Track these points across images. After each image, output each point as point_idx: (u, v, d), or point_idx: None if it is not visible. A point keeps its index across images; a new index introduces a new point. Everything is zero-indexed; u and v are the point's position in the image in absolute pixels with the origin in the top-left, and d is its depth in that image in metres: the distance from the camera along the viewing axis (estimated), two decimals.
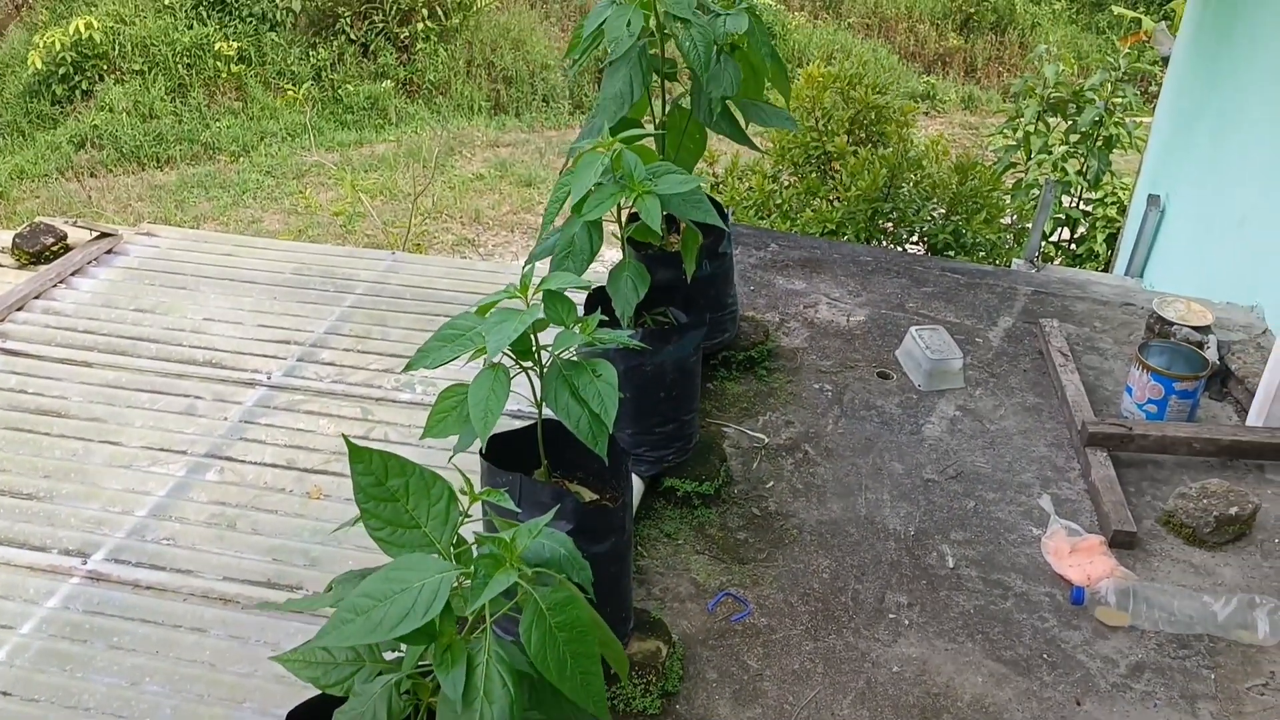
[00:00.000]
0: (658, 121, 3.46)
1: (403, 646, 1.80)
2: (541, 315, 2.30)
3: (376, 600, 1.61)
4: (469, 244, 11.45)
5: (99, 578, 3.10)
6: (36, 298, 4.41)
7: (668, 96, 3.41)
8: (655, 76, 3.34)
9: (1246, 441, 3.48)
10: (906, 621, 2.87)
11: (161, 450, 3.62)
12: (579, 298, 3.14)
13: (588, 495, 2.60)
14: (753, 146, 3.55)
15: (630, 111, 3.32)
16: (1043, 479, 3.42)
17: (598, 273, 3.39)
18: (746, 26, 3.12)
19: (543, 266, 2.85)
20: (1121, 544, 3.14)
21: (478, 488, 2.53)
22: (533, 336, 2.38)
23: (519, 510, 1.88)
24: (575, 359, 2.35)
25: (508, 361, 2.38)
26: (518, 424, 2.71)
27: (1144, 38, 7.59)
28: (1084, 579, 2.99)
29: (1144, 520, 3.26)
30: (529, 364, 2.39)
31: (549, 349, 2.35)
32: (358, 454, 1.73)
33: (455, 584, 1.61)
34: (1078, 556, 3.06)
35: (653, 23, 3.20)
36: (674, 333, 3.11)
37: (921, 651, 2.79)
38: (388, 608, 1.59)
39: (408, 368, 2.40)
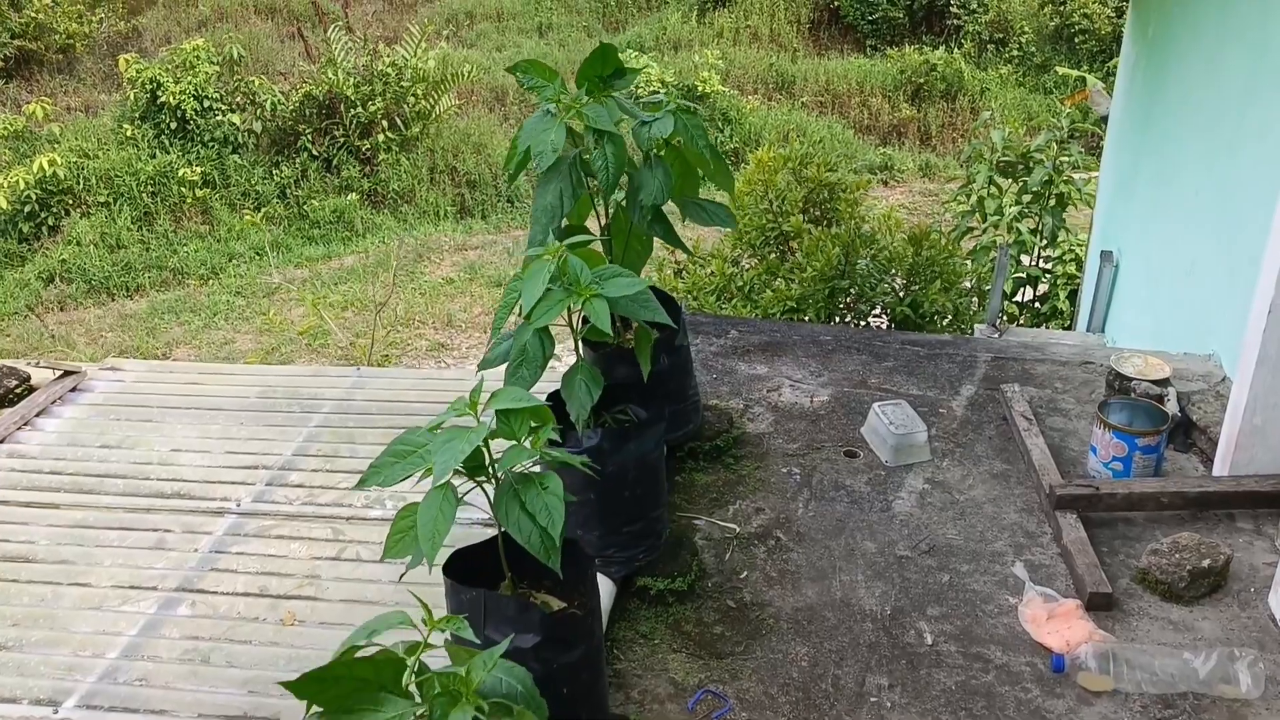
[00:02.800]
0: (602, 224, 3.51)
1: None
2: (490, 431, 2.31)
3: None
4: (442, 348, 11.49)
5: None
6: (1, 442, 4.40)
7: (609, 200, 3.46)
8: (591, 180, 3.39)
9: (1213, 491, 3.50)
10: (889, 704, 2.85)
11: (131, 588, 3.58)
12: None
13: (556, 604, 2.58)
14: (685, 250, 3.61)
15: (573, 216, 3.38)
16: (1015, 546, 3.42)
17: (556, 370, 3.41)
18: (671, 130, 3.19)
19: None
20: (1098, 606, 3.13)
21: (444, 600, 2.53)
22: (485, 451, 2.39)
23: (478, 642, 1.87)
24: (526, 472, 2.36)
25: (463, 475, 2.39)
26: (490, 531, 2.70)
27: (1087, 97, 7.77)
28: (1063, 645, 2.98)
29: (1119, 580, 3.25)
30: (482, 479, 2.39)
31: (499, 465, 2.36)
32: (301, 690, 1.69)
33: None
34: (1055, 623, 3.05)
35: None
36: (634, 431, 3.12)
37: None
38: None
39: (360, 484, 2.41)
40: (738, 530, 3.47)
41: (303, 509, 3.93)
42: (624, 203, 3.40)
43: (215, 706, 3.09)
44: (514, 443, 2.34)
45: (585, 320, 3.30)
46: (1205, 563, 3.17)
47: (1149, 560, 3.24)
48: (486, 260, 13.13)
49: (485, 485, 2.41)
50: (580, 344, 3.13)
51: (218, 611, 3.47)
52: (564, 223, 3.27)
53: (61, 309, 12.61)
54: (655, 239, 3.48)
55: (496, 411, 2.33)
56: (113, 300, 12.75)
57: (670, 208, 3.44)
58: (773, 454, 3.85)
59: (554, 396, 3.12)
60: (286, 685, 1.65)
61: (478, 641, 1.84)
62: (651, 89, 15.11)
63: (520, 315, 2.93)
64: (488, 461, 2.38)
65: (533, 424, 2.36)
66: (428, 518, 2.20)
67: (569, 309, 2.89)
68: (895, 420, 3.81)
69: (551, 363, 3.08)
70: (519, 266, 2.93)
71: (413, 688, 1.74)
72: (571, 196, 3.17)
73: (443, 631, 1.82)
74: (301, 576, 3.60)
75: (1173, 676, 2.86)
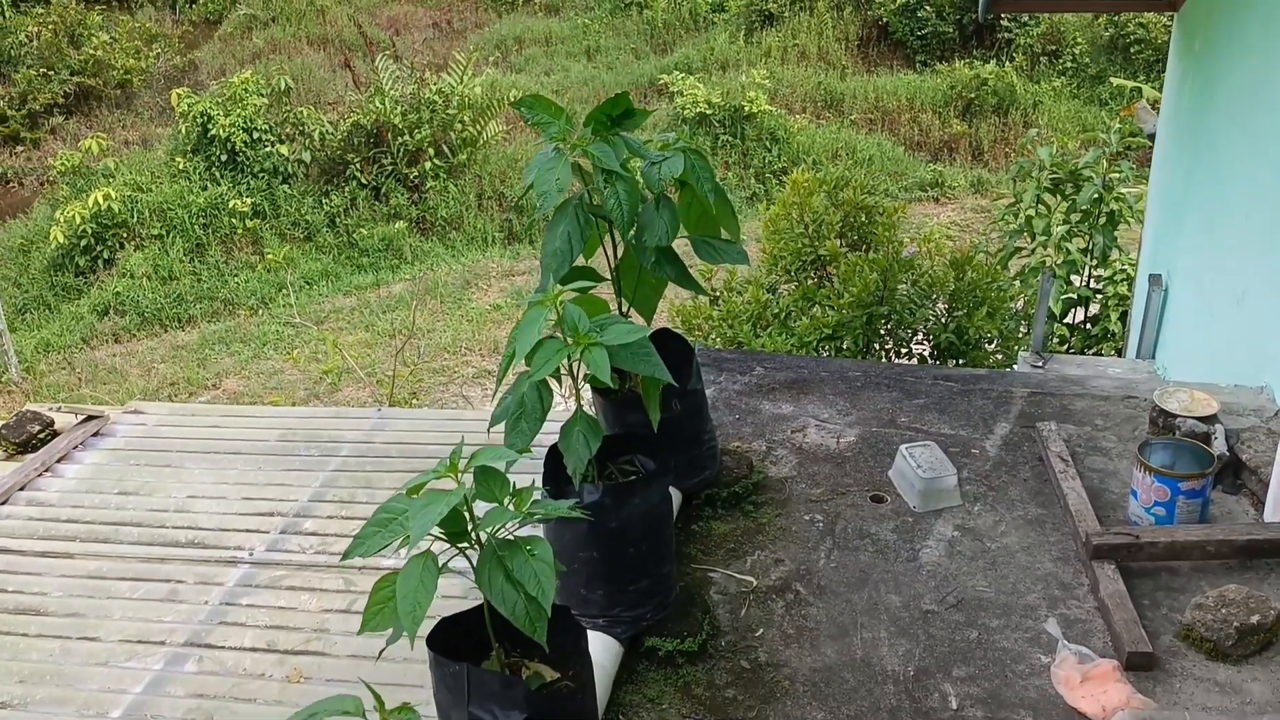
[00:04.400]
0: (612, 264, 3.40)
1: None
2: (468, 494, 2.20)
3: None
4: (489, 375, 11.46)
5: None
6: (21, 489, 4.38)
7: (617, 238, 3.35)
8: (602, 221, 3.28)
9: (1263, 539, 3.27)
10: None
11: (139, 643, 3.52)
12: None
13: (550, 674, 2.46)
14: (700, 291, 3.49)
15: (583, 253, 3.27)
16: (1049, 599, 3.22)
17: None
18: (682, 169, 3.07)
19: None
20: (1138, 666, 2.93)
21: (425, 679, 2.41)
22: (468, 515, 2.28)
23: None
24: (511, 537, 2.24)
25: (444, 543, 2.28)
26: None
27: (1132, 112, 7.53)
28: (1099, 711, 2.78)
29: (1160, 636, 3.04)
30: (466, 545, 2.28)
31: (482, 528, 2.24)
32: None
33: None
34: (1091, 685, 2.85)
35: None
36: (639, 485, 2.98)
37: None
38: None
39: (344, 557, 2.32)
40: (755, 583, 3.32)
41: (315, 558, 3.85)
42: (634, 242, 3.29)
43: None
44: (496, 505, 2.22)
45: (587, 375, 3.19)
46: (1254, 619, 2.96)
47: (1193, 615, 3.03)
48: (534, 286, 13.09)
49: (469, 552, 2.30)
50: (580, 392, 3.01)
51: (224, 667, 3.40)
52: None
53: (116, 341, 12.78)
54: (666, 281, 3.35)
55: (475, 471, 2.21)
56: (165, 331, 12.91)
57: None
58: (795, 500, 3.69)
59: (555, 449, 3.00)
60: None
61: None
62: (698, 110, 15.02)
63: (526, 364, 2.82)
64: (470, 527, 2.27)
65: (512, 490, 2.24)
66: (407, 589, 2.10)
67: (568, 358, 2.78)
68: (923, 463, 3.63)
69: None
70: (518, 326, 2.82)
71: None
72: (580, 239, 3.07)
73: None
74: (310, 630, 3.52)
75: None
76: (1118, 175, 7.55)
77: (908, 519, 3.59)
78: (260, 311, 13.10)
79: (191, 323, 13.05)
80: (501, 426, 2.80)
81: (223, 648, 3.48)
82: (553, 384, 2.86)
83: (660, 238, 3.07)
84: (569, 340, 2.74)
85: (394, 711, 1.68)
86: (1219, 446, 3.61)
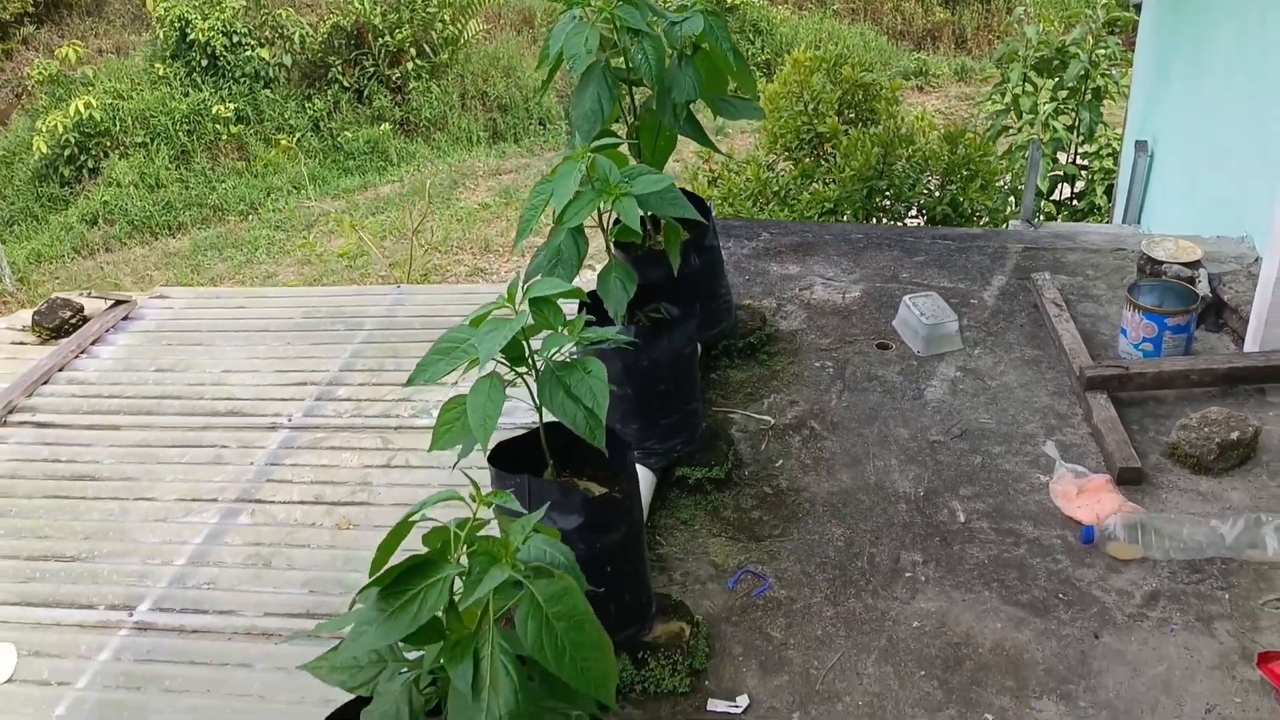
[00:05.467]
0: (629, 127, 3.56)
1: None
2: (530, 322, 2.39)
3: (387, 609, 1.71)
4: (481, 274, 11.59)
5: (146, 627, 3.21)
6: (60, 370, 4.55)
7: (636, 101, 3.50)
8: (623, 84, 3.43)
9: (1243, 367, 3.53)
10: (923, 578, 2.95)
11: (194, 500, 3.74)
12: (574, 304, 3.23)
13: (597, 490, 2.68)
14: (715, 149, 3.64)
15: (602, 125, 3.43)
16: (1046, 428, 3.48)
17: (588, 279, 3.49)
18: (701, 28, 3.22)
19: None
20: (1128, 481, 3.20)
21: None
22: (525, 343, 2.48)
23: (524, 510, 1.96)
24: (567, 360, 2.45)
25: (506, 369, 2.48)
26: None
27: None
28: (1093, 518, 3.05)
29: (1149, 456, 3.31)
30: (524, 369, 2.48)
31: (540, 354, 2.44)
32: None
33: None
34: (1085, 497, 3.12)
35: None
36: (667, 327, 3.20)
37: (940, 605, 2.86)
38: (399, 614, 1.69)
39: (409, 382, 2.49)
40: (773, 422, 3.56)
41: (352, 421, 4.06)
42: (653, 105, 3.44)
43: (279, 605, 3.25)
44: (552, 331, 2.42)
45: (616, 223, 3.37)
46: (1234, 435, 3.22)
47: (1178, 435, 3.29)
48: (521, 184, 13.15)
49: (526, 377, 2.50)
50: (611, 247, 3.20)
51: (276, 520, 3.62)
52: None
53: (107, 250, 12.82)
54: (679, 137, 3.52)
55: (530, 301, 2.41)
56: (156, 239, 12.94)
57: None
58: (806, 349, 3.92)
59: (589, 298, 3.20)
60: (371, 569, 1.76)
61: (524, 510, 1.93)
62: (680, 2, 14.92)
63: (553, 219, 3.00)
64: (528, 353, 2.47)
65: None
66: (477, 405, 2.29)
67: (599, 210, 2.96)
68: (926, 311, 3.86)
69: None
70: (539, 183, 2.98)
71: (464, 560, 1.85)
72: (610, 99, 3.22)
73: (489, 506, 1.92)
74: (354, 484, 3.74)
75: (1200, 543, 2.93)
76: (1104, 51, 7.67)
77: (912, 363, 3.83)
78: (250, 217, 13.14)
79: (182, 230, 13.07)
80: None
81: (273, 502, 3.70)
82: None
83: (687, 93, 3.23)
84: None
85: (490, 495, 1.89)
86: (1203, 289, 3.84)
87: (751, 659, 2.74)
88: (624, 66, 3.39)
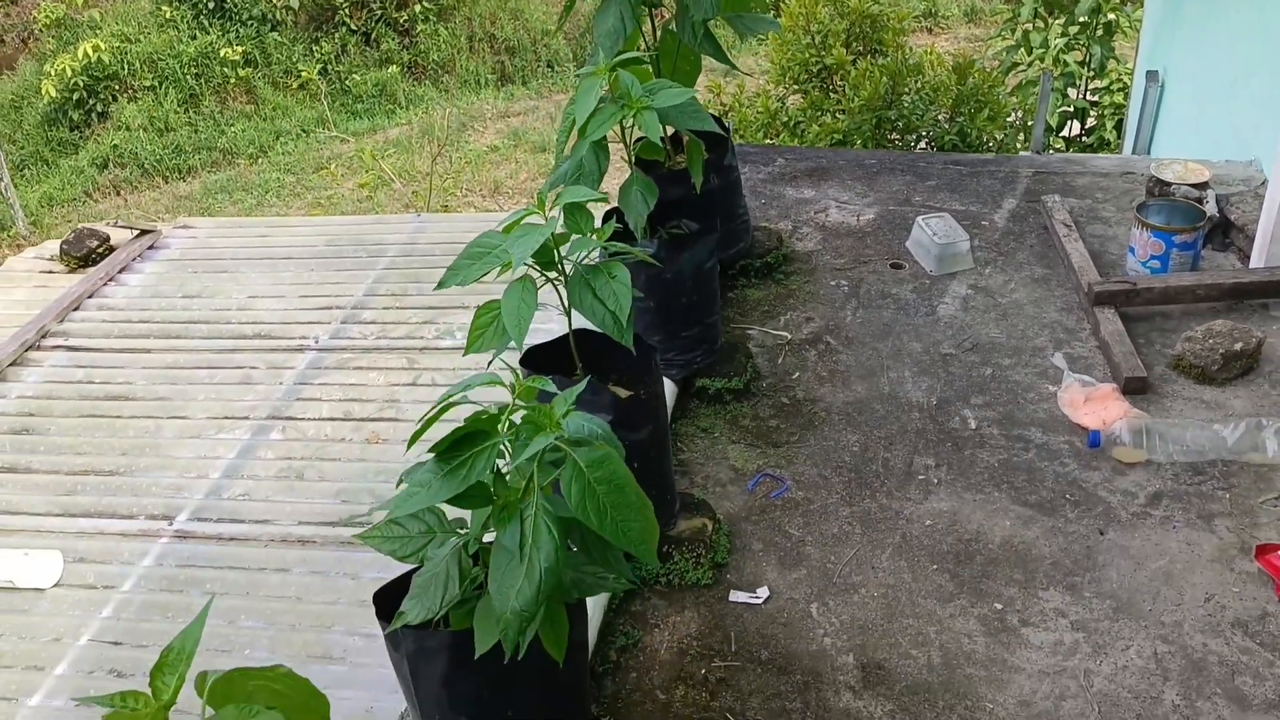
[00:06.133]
0: (650, 49, 3.62)
1: (469, 521, 2.02)
2: (561, 228, 2.48)
3: (437, 474, 1.82)
4: (488, 213, 11.64)
5: (186, 535, 3.34)
6: (90, 297, 4.66)
7: (656, 23, 3.57)
8: (643, 6, 3.50)
9: (1249, 282, 3.62)
10: (935, 480, 3.06)
11: (226, 418, 3.85)
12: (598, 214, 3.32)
13: (623, 393, 2.79)
14: (733, 66, 3.69)
15: (624, 45, 3.49)
16: (1055, 341, 3.58)
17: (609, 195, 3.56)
18: None
19: None
20: (1134, 390, 3.30)
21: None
22: (555, 249, 2.57)
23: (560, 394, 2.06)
24: (595, 264, 2.54)
25: (535, 275, 2.58)
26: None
27: None
28: (1099, 424, 3.16)
29: (1154, 367, 3.41)
30: (554, 274, 2.58)
31: (570, 259, 2.54)
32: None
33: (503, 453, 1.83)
34: (1092, 405, 3.23)
35: None
36: (688, 241, 3.29)
37: (951, 505, 2.98)
38: (447, 478, 1.80)
39: (440, 285, 2.56)
40: (789, 337, 3.67)
41: (378, 343, 4.17)
42: (669, 26, 3.51)
43: (312, 514, 3.37)
44: (580, 236, 2.51)
45: (638, 140, 3.45)
46: (1238, 346, 3.32)
47: (1183, 346, 3.39)
48: (529, 126, 13.16)
49: (556, 282, 2.60)
50: (632, 162, 3.28)
51: (307, 435, 3.74)
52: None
53: (118, 193, 12.87)
54: (703, 59, 3.59)
55: (563, 207, 2.50)
56: (166, 183, 12.99)
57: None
58: (821, 269, 4.02)
59: (610, 213, 3.29)
60: (410, 441, 1.87)
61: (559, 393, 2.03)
62: None
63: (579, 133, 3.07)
64: (557, 259, 2.56)
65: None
66: (511, 305, 2.38)
67: (621, 125, 3.04)
68: (938, 231, 3.95)
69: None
70: (569, 104, 3.04)
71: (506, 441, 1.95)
72: (632, 17, 3.29)
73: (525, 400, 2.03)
74: (382, 401, 3.86)
75: (1203, 446, 3.04)
76: None
77: (925, 281, 3.92)
78: (259, 160, 13.17)
79: (192, 173, 13.11)
80: None
81: (303, 419, 3.82)
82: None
83: (706, 11, 3.30)
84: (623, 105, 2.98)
85: (531, 379, 1.99)
86: (1210, 208, 3.92)
87: (771, 554, 2.87)
88: None
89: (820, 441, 3.22)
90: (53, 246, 5.11)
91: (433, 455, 1.85)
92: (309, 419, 3.82)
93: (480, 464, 1.76)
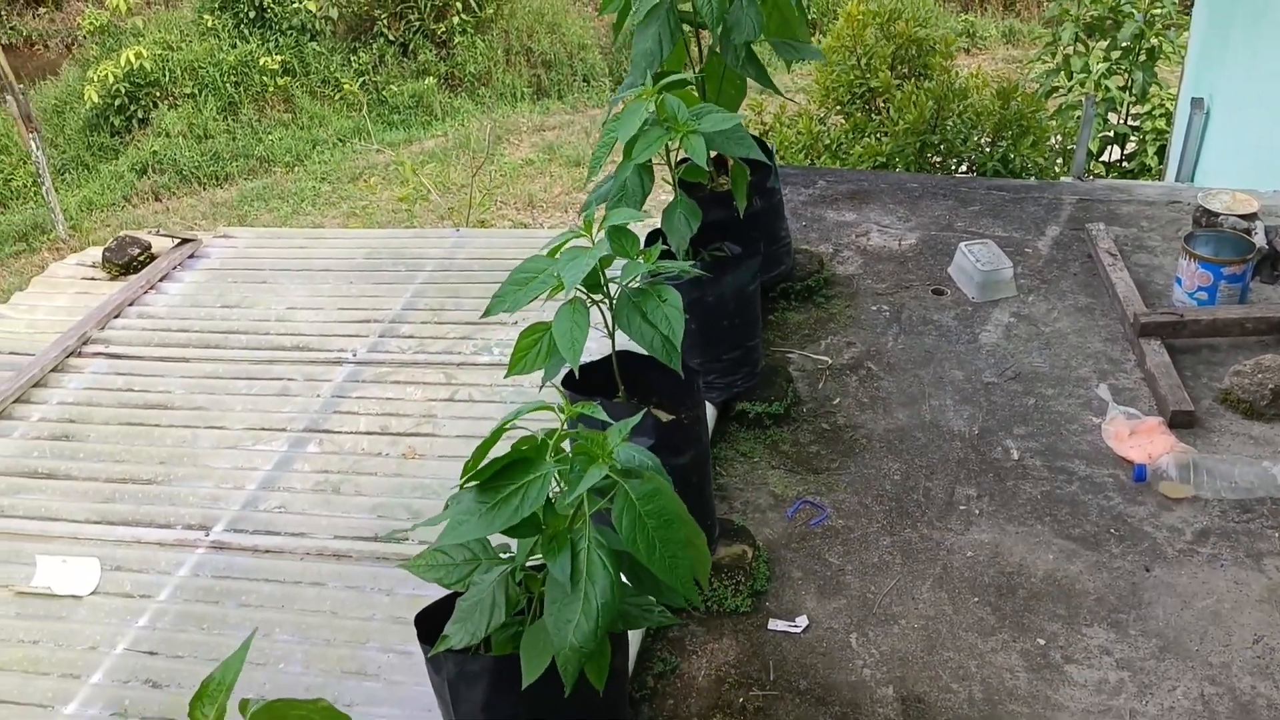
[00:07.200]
0: (695, 71, 3.62)
1: (513, 548, 2.01)
2: (608, 251, 2.48)
3: (487, 503, 1.81)
4: (524, 230, 11.67)
5: (222, 546, 3.35)
6: (130, 304, 4.69)
7: (703, 45, 3.56)
8: (689, 27, 3.50)
9: None
10: (977, 511, 3.03)
11: (263, 430, 3.86)
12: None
13: (665, 416, 2.78)
14: (776, 90, 3.68)
15: (666, 64, 3.49)
16: (1099, 372, 3.54)
17: (650, 215, 3.56)
18: None
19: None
20: (1181, 424, 3.26)
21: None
22: (601, 271, 2.57)
23: (611, 421, 2.05)
24: (642, 287, 2.54)
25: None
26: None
27: None
28: (1145, 458, 3.12)
29: (1201, 401, 3.37)
30: (599, 297, 2.57)
31: (616, 282, 2.53)
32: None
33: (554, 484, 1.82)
34: (1138, 438, 3.19)
35: None
36: (731, 262, 3.28)
37: (993, 536, 2.94)
38: (499, 507, 1.79)
39: (487, 313, 2.56)
40: (830, 362, 3.64)
41: (415, 357, 4.17)
42: (716, 48, 3.50)
43: (348, 529, 3.37)
44: (628, 260, 2.50)
45: (681, 162, 3.44)
46: None
47: (1231, 381, 3.35)
48: (564, 140, 13.21)
49: (601, 304, 2.59)
50: (676, 185, 3.27)
51: (343, 448, 3.74)
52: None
53: (156, 199, 13.00)
54: (748, 84, 3.58)
55: (608, 229, 2.49)
56: (203, 189, 13.11)
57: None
58: (862, 293, 3.99)
59: (652, 237, 3.28)
60: (464, 474, 1.86)
61: (610, 421, 2.02)
62: None
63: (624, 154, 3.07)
64: (604, 280, 2.56)
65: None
66: (564, 328, 2.37)
67: (665, 149, 3.03)
68: (981, 258, 3.92)
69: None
70: (595, 146, 3.02)
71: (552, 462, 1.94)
72: (670, 40, 3.28)
73: (576, 417, 2.02)
74: (419, 416, 3.86)
75: (1252, 483, 2.99)
76: (1159, 11, 7.61)
77: (967, 308, 3.89)
78: (296, 169, 13.27)
79: (229, 180, 13.23)
80: None
81: (340, 432, 3.82)
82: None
83: (748, 34, 3.29)
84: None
85: (579, 405, 1.98)
86: (1259, 240, 3.87)
87: (810, 583, 2.84)
88: (690, 10, 3.45)
89: (861, 469, 3.20)
90: (95, 253, 5.15)
91: (476, 484, 1.84)
92: (346, 432, 3.82)
93: (533, 494, 1.75)
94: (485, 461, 1.88)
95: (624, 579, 1.96)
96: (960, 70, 7.57)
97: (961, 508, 3.05)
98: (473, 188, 8.44)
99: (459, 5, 14.36)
